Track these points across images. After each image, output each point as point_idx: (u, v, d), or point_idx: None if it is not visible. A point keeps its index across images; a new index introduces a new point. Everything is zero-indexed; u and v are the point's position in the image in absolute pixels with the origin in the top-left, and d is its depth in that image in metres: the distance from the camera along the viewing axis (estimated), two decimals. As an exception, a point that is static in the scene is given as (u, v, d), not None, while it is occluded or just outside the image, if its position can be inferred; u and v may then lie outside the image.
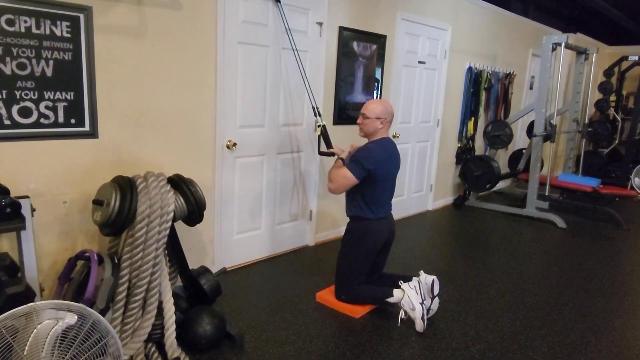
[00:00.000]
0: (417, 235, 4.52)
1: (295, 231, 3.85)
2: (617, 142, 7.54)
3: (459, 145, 5.61)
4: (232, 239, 3.37)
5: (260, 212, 3.54)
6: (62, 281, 2.24)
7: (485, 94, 5.80)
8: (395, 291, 2.72)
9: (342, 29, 3.78)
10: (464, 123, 5.60)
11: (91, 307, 1.93)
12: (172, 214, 2.20)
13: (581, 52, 5.63)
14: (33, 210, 2.10)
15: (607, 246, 4.45)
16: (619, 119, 7.66)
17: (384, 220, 2.84)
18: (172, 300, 2.27)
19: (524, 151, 6.16)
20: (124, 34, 2.46)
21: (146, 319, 2.17)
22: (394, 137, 4.62)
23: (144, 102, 2.62)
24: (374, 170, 2.67)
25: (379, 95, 4.30)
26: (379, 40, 4.16)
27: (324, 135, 3.23)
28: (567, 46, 5.04)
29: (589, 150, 7.07)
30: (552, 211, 5.16)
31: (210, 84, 2.94)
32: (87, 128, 2.38)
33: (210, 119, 2.99)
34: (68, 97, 2.29)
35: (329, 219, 4.14)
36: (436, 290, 2.72)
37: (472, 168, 5.34)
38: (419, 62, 4.74)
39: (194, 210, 2.32)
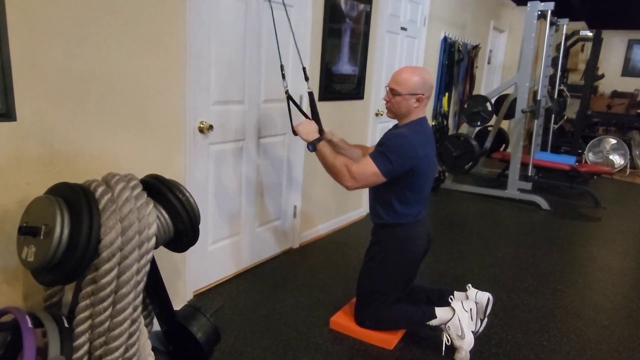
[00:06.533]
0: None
1: (277, 233, 3.11)
2: (565, 117, 7.55)
3: (434, 123, 5.12)
4: (207, 251, 2.57)
5: (239, 213, 2.76)
6: (-33, 361, 1.36)
7: (455, 67, 5.35)
8: (440, 311, 2.12)
9: (329, -20, 3.04)
10: (438, 99, 5.11)
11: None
12: (153, 241, 1.39)
13: (553, 23, 5.34)
14: None
15: (597, 227, 4.24)
16: (568, 95, 7.67)
17: (421, 224, 2.20)
18: (155, 368, 1.49)
19: (489, 129, 5.85)
20: (50, -47, 1.55)
21: (120, 408, 1.37)
22: (377, 114, 3.99)
23: (87, 63, 1.72)
24: (413, 165, 2.01)
25: (361, 67, 3.62)
26: (366, -2, 3.46)
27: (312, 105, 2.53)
28: (545, 16, 4.70)
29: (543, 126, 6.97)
30: (534, 192, 4.88)
31: (178, 41, 2.08)
32: (-5, 104, 1.46)
33: (179, 90, 2.14)
34: (-41, 52, 1.36)
35: (312, 216, 3.45)
36: (489, 310, 2.17)
37: (450, 148, 4.87)
38: (401, 28, 4.12)
39: (185, 229, 1.51)
